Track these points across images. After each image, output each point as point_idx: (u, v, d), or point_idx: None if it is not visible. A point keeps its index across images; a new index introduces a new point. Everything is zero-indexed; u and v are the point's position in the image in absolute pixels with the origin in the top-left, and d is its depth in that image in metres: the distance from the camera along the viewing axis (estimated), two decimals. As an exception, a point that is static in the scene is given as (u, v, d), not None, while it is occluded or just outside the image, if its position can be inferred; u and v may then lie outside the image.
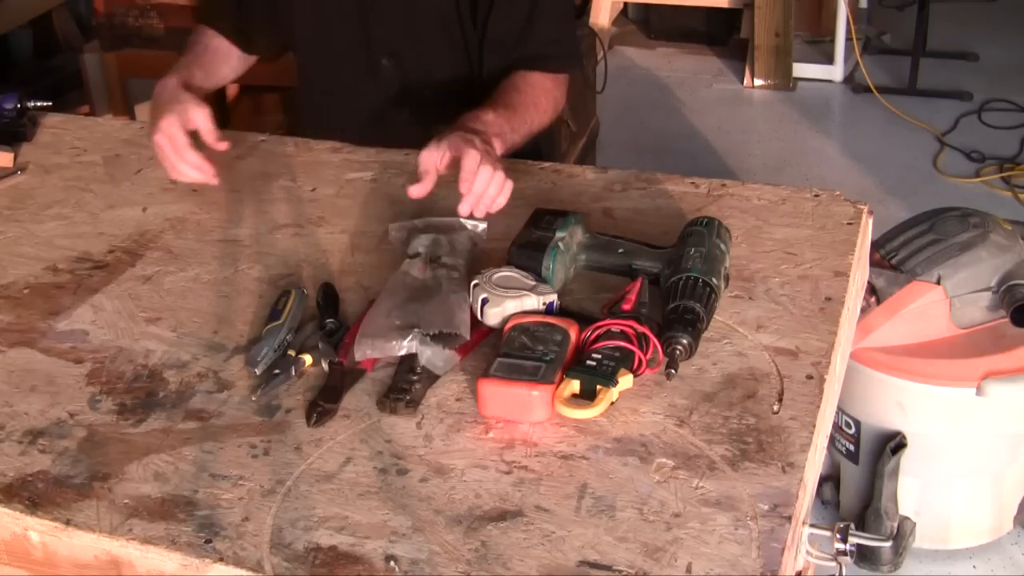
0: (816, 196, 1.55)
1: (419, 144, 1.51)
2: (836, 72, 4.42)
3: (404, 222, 1.50)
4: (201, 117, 1.58)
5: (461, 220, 1.46)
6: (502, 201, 1.46)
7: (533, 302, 1.29)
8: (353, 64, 1.83)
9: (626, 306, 1.25)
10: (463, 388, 1.23)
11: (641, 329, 1.21)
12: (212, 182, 1.59)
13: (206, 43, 1.84)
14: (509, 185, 1.46)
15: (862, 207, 1.51)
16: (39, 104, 1.92)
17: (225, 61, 1.86)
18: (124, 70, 3.43)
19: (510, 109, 1.65)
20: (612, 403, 1.17)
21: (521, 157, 1.68)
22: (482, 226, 1.46)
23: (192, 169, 1.57)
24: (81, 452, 1.17)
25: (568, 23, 1.87)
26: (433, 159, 1.47)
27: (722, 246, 1.34)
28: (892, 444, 2.12)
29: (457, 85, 1.81)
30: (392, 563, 1.01)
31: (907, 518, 2.20)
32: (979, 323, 2.10)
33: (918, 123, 4.03)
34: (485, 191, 1.44)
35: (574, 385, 1.18)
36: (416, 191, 1.47)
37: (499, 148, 1.55)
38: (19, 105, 1.85)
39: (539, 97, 1.71)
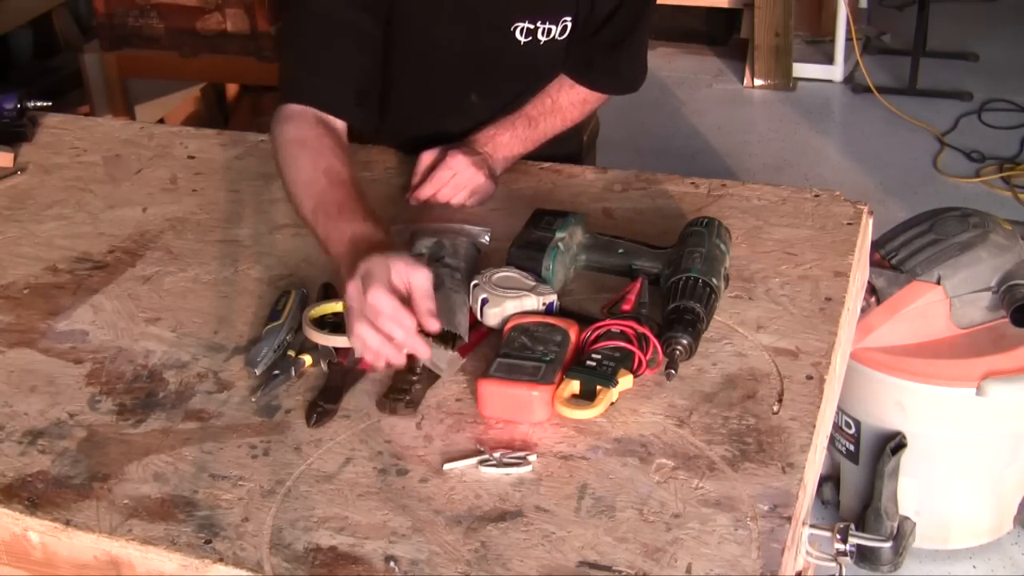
0: (816, 196, 1.55)
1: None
2: (836, 72, 4.41)
3: (405, 225, 1.50)
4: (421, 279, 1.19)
5: (465, 226, 1.47)
6: (460, 200, 1.58)
7: (533, 302, 1.29)
8: (442, 97, 1.70)
9: (626, 306, 1.25)
10: (463, 388, 1.23)
11: (641, 329, 1.21)
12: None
13: (320, 151, 1.41)
14: (465, 194, 1.58)
15: (862, 207, 1.51)
16: (39, 104, 1.92)
17: (345, 152, 1.44)
18: (124, 70, 3.43)
19: (532, 123, 1.67)
20: (612, 403, 1.17)
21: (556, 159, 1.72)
22: (486, 232, 1.47)
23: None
24: (81, 452, 1.17)
25: (644, 48, 1.74)
26: (424, 162, 1.60)
27: (722, 246, 1.34)
28: (892, 444, 2.12)
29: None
30: (392, 563, 1.01)
31: (907, 518, 2.20)
32: (979, 323, 2.10)
33: (918, 123, 4.03)
34: (438, 189, 1.57)
35: (574, 385, 1.18)
36: (413, 198, 1.59)
37: (501, 164, 1.65)
38: (19, 105, 1.85)
39: (574, 109, 1.71)
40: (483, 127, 1.66)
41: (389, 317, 1.14)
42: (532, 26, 1.60)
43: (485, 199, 1.60)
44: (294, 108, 1.46)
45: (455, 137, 1.65)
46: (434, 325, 1.17)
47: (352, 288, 1.17)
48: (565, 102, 1.69)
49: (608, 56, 1.68)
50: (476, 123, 1.68)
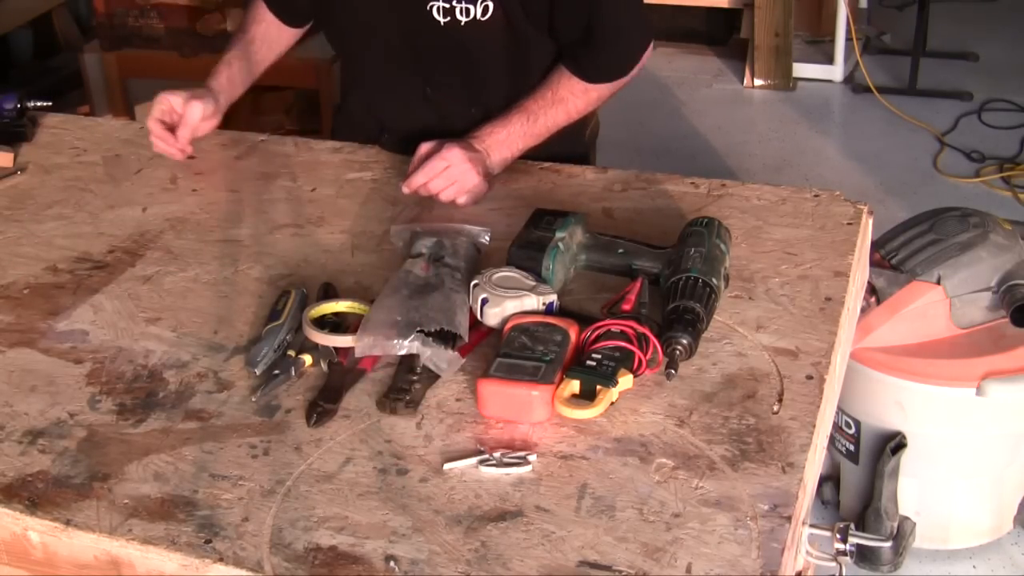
0: (816, 196, 1.55)
1: None
2: (836, 72, 4.41)
3: (405, 225, 1.50)
4: (192, 111, 1.72)
5: (465, 226, 1.47)
6: (449, 194, 1.58)
7: (533, 302, 1.29)
8: (399, 88, 1.78)
9: (626, 306, 1.25)
10: (463, 388, 1.23)
11: (641, 329, 1.21)
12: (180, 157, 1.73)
13: (252, 32, 1.83)
14: (456, 188, 1.58)
15: (862, 207, 1.51)
16: (39, 104, 1.92)
17: (272, 46, 1.85)
18: (124, 70, 3.43)
19: (532, 117, 1.66)
20: (612, 403, 1.17)
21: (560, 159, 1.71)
22: (486, 232, 1.47)
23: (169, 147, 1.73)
24: (81, 452, 1.17)
25: (630, 28, 1.73)
26: (421, 151, 1.61)
27: (722, 246, 1.34)
28: (892, 444, 2.12)
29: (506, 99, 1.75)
30: (392, 563, 1.01)
31: (907, 518, 2.20)
32: (979, 323, 2.10)
33: (918, 123, 4.03)
34: (431, 178, 1.57)
35: (574, 385, 1.18)
36: (405, 185, 1.60)
37: (499, 163, 1.64)
38: (19, 105, 1.85)
39: (577, 100, 1.69)
40: (481, 125, 1.65)
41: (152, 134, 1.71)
42: (448, 5, 1.60)
43: (478, 198, 1.60)
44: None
45: (432, 134, 1.66)
46: (184, 151, 1.73)
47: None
48: (566, 93, 1.68)
49: (586, 44, 1.67)
50: (441, 116, 1.72)
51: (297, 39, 1.90)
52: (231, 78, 1.79)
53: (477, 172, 1.59)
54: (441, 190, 1.58)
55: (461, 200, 1.59)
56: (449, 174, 1.58)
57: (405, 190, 1.60)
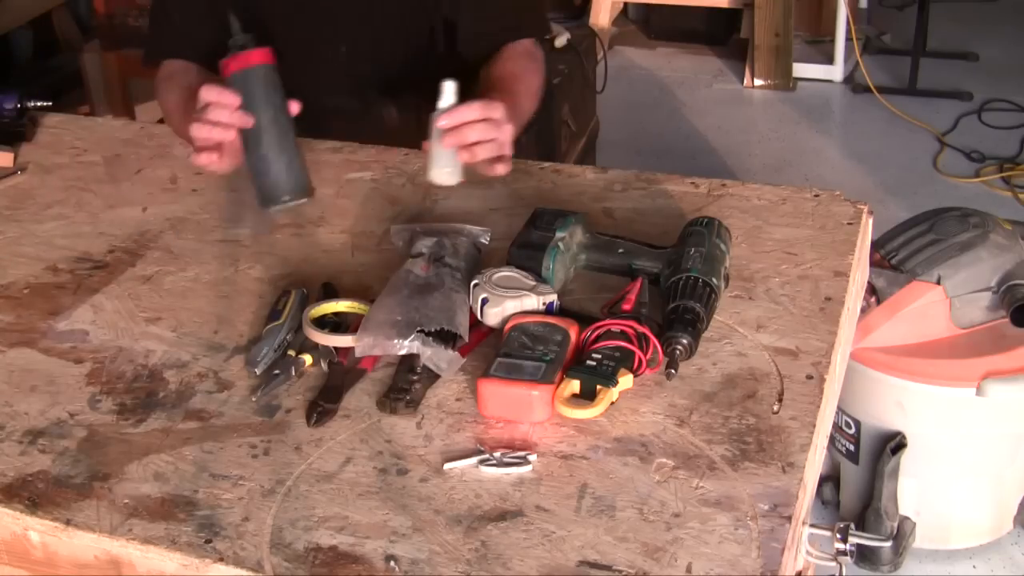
0: (816, 196, 1.55)
1: (377, 134, 1.58)
2: (836, 72, 4.42)
3: (406, 224, 1.50)
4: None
5: (465, 226, 1.47)
6: (481, 153, 1.40)
7: (533, 302, 1.29)
8: (313, 54, 1.74)
9: (626, 306, 1.25)
10: (463, 388, 1.23)
11: (641, 329, 1.21)
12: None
13: (181, 81, 1.69)
14: (497, 147, 1.41)
15: (862, 207, 1.51)
16: (39, 104, 1.92)
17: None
18: (124, 70, 3.43)
19: (513, 97, 1.56)
20: (612, 403, 1.17)
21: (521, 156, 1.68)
22: (486, 233, 1.47)
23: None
24: (81, 452, 1.17)
25: None
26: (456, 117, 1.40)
27: (722, 246, 1.34)
28: (892, 444, 2.12)
29: (414, 71, 1.74)
30: (392, 563, 1.01)
31: (907, 518, 2.20)
32: (979, 323, 2.10)
33: (918, 123, 4.03)
34: (466, 124, 1.38)
35: (574, 385, 1.18)
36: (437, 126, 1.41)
37: (511, 130, 1.46)
38: (19, 105, 1.85)
39: (532, 82, 1.68)
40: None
41: (215, 103, 1.37)
42: None
43: (498, 172, 1.45)
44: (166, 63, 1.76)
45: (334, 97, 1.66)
46: (249, 120, 1.37)
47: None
48: (522, 75, 1.66)
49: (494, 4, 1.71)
50: (381, 91, 1.74)
51: None
52: None
53: (511, 138, 1.44)
54: (478, 143, 1.40)
55: (500, 169, 1.44)
56: (487, 129, 1.40)
57: (441, 124, 1.38)
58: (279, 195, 1.42)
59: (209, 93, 1.38)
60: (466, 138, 1.39)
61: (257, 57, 1.39)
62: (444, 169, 1.41)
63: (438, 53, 1.77)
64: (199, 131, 1.40)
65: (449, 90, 1.40)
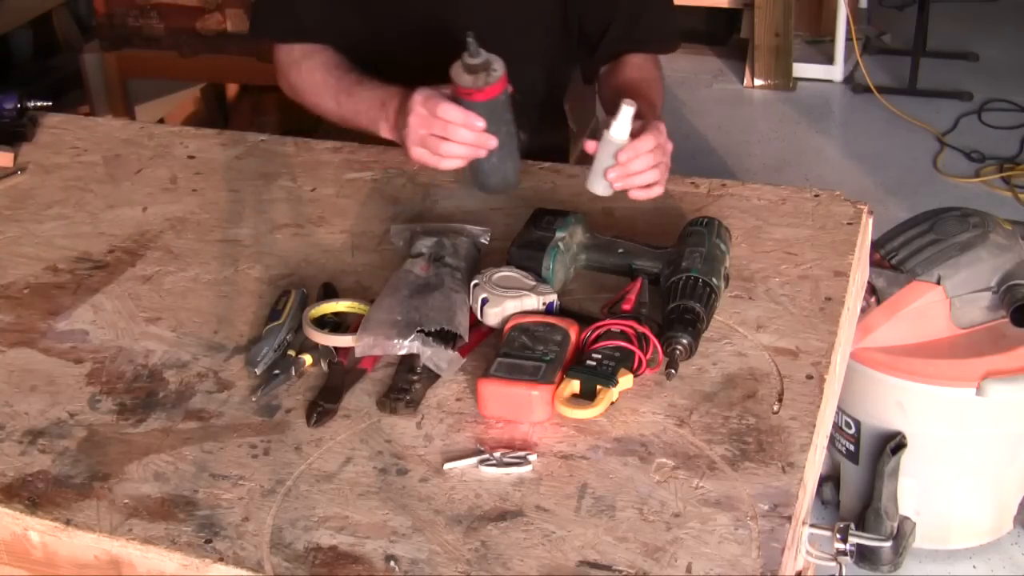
0: (816, 196, 1.55)
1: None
2: (836, 72, 4.41)
3: (406, 225, 1.50)
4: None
5: (465, 226, 1.47)
6: (654, 180, 1.41)
7: (533, 302, 1.29)
8: (430, 57, 1.62)
9: (626, 306, 1.25)
10: (463, 388, 1.23)
11: (641, 329, 1.21)
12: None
13: (327, 62, 1.72)
14: (662, 172, 1.42)
15: (862, 207, 1.51)
16: (39, 104, 1.92)
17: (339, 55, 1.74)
18: (124, 70, 3.43)
19: (655, 109, 1.59)
20: (612, 403, 1.17)
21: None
22: (486, 233, 1.47)
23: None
24: (81, 452, 1.17)
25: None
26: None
27: (722, 246, 1.34)
28: (892, 444, 2.12)
29: (542, 85, 1.77)
30: (392, 563, 1.01)
31: (907, 518, 2.20)
32: (979, 323, 2.10)
33: (918, 123, 4.03)
34: (639, 170, 1.40)
35: (574, 385, 1.18)
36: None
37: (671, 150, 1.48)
38: (19, 105, 1.85)
39: (661, 90, 1.70)
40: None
41: (460, 124, 1.42)
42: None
43: (652, 195, 1.44)
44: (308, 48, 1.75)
45: None
46: (492, 141, 1.43)
47: (417, 112, 1.45)
48: (655, 85, 1.68)
49: (637, 16, 1.71)
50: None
51: None
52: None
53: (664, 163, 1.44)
54: (651, 180, 1.42)
55: (656, 191, 1.43)
56: (657, 157, 1.41)
57: (623, 159, 1.39)
58: (502, 188, 1.54)
59: (454, 114, 1.42)
60: (643, 178, 1.41)
61: (500, 86, 1.44)
62: (604, 181, 1.43)
63: (564, 53, 1.78)
64: (448, 149, 1.46)
65: (627, 114, 1.39)
